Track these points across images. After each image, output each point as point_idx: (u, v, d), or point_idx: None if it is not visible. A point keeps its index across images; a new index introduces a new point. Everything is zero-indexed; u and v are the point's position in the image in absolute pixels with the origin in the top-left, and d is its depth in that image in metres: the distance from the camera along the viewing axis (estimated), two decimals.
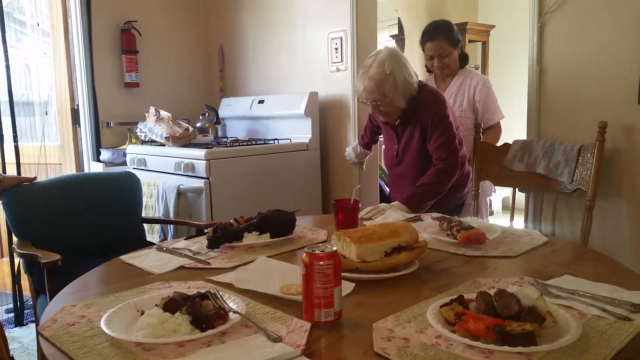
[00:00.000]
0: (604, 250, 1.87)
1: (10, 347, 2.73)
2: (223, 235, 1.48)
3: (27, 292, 3.16)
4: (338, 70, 2.97)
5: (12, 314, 3.20)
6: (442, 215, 1.73)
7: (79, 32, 3.31)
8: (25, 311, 3.19)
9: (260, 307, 1.04)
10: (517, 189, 2.18)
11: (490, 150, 2.19)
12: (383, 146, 2.40)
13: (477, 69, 5.47)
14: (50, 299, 1.79)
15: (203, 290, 1.02)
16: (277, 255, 1.41)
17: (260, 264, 1.32)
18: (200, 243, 1.54)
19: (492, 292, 0.96)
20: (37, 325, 2.03)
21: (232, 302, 1.01)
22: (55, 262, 1.73)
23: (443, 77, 2.55)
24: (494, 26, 5.41)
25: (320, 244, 0.98)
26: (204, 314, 0.92)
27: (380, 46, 3.10)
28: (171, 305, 0.94)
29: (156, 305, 0.97)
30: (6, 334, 2.84)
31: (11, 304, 3.21)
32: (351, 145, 2.68)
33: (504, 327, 0.85)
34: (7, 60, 2.96)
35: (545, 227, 2.15)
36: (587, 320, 0.94)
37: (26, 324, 3.13)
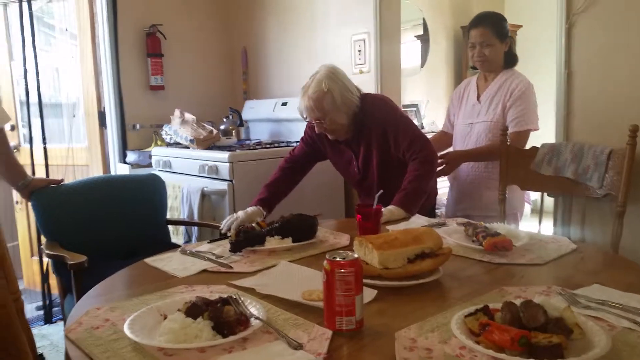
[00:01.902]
0: (635, 258, 1.81)
1: (39, 344, 2.79)
2: (245, 239, 1.48)
3: (55, 291, 3.23)
4: (361, 72, 2.96)
5: (41, 312, 3.27)
6: (467, 220, 1.70)
7: (105, 36, 3.37)
8: (53, 309, 3.26)
9: (282, 313, 1.03)
10: (545, 194, 2.13)
11: (517, 154, 2.15)
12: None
13: None
14: (77, 299, 1.82)
15: (225, 295, 1.03)
16: (299, 260, 1.41)
17: (282, 269, 1.31)
18: (223, 246, 1.54)
19: (518, 302, 0.94)
20: (64, 323, 2.07)
21: (254, 308, 1.01)
22: (81, 263, 1.76)
23: (485, 76, 2.36)
24: (520, 26, 5.33)
25: (341, 251, 0.97)
26: (225, 320, 0.92)
27: (403, 47, 3.08)
28: (193, 310, 0.95)
29: (179, 310, 0.97)
30: (35, 331, 2.91)
31: (40, 301, 3.28)
32: (241, 212, 2.04)
33: (530, 338, 0.82)
34: (36, 63, 3.03)
35: (574, 233, 2.10)
36: (617, 333, 0.91)
37: (55, 322, 3.19)
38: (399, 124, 2.07)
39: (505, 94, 2.25)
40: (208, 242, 1.57)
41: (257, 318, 0.96)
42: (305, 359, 0.83)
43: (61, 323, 3.15)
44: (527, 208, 5.75)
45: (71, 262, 1.76)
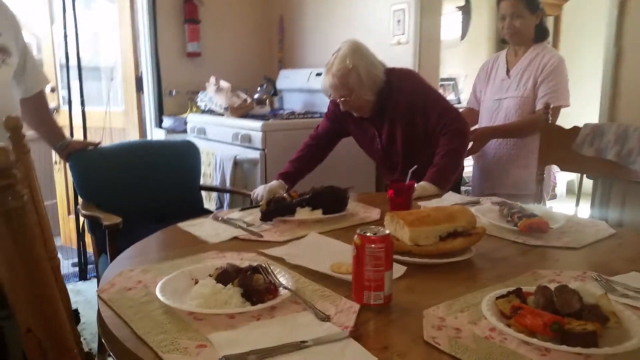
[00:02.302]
0: None
1: (74, 299, 2.90)
2: (276, 209, 1.48)
3: (90, 249, 3.33)
4: (399, 43, 2.89)
5: (77, 268, 3.39)
6: (502, 200, 1.66)
7: (144, 1, 3.37)
8: (88, 266, 3.37)
9: (310, 284, 1.04)
10: (584, 175, 2.06)
11: (558, 133, 2.08)
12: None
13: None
14: (111, 259, 1.87)
15: (255, 264, 1.03)
16: (329, 232, 1.40)
17: (312, 240, 1.31)
18: (254, 215, 1.55)
19: (552, 286, 0.92)
20: (98, 282, 2.14)
21: (283, 277, 1.01)
22: (116, 225, 1.81)
23: (515, 51, 2.30)
24: (567, 0, 5.10)
25: (372, 226, 0.96)
26: (255, 288, 0.93)
27: (443, 19, 2.99)
28: (224, 276, 0.96)
29: (210, 275, 0.99)
30: (70, 286, 3.02)
31: (76, 258, 3.40)
32: (261, 186, 2.10)
33: (564, 325, 0.80)
34: (76, 27, 3.06)
35: (613, 217, 2.03)
36: None
37: (89, 279, 3.31)
38: (428, 97, 2.03)
39: (536, 69, 2.19)
40: (240, 210, 1.58)
41: (285, 288, 0.96)
42: (331, 332, 0.83)
43: (95, 280, 3.26)
44: (563, 188, 5.60)
45: (106, 223, 1.80)
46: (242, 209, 1.59)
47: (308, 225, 1.46)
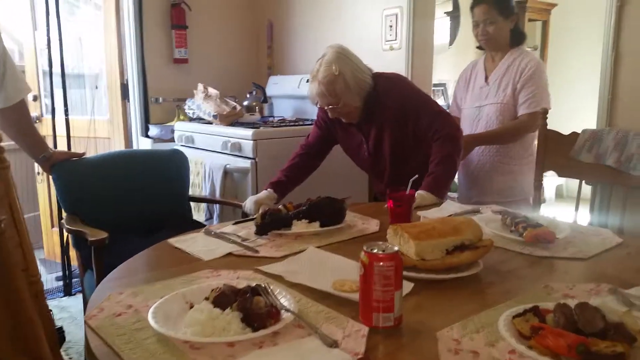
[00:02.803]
0: None
1: (58, 316, 2.81)
2: (272, 222, 1.42)
3: (75, 262, 3.23)
4: (392, 49, 2.85)
5: (61, 282, 3.28)
6: (503, 209, 1.62)
7: (130, 6, 3.29)
8: (73, 280, 3.26)
9: (313, 304, 0.97)
10: (583, 182, 2.03)
11: (556, 139, 2.04)
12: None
13: (535, 49, 5.20)
14: (97, 276, 1.79)
15: (253, 283, 0.97)
16: (328, 246, 1.34)
17: (311, 255, 1.25)
18: (248, 229, 1.48)
19: (567, 301, 0.87)
20: (84, 299, 2.06)
21: (284, 299, 0.95)
22: (102, 240, 1.73)
23: (492, 57, 2.28)
24: (555, 5, 5.11)
25: (380, 243, 0.90)
26: (255, 312, 0.86)
27: (437, 23, 2.96)
28: (221, 300, 0.89)
29: (206, 298, 0.92)
30: (55, 302, 2.91)
31: (60, 272, 3.29)
32: (250, 197, 2.01)
33: (590, 346, 0.75)
34: (60, 33, 2.97)
35: (613, 223, 2.00)
36: None
37: (74, 294, 3.20)
38: (418, 101, 1.98)
39: (514, 74, 2.17)
40: (233, 224, 1.51)
41: (288, 310, 0.90)
42: (341, 358, 0.77)
43: (80, 296, 3.16)
44: (552, 192, 5.60)
45: (92, 239, 1.72)
46: (236, 223, 1.52)
47: (305, 239, 1.39)
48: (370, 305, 0.87)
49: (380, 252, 0.87)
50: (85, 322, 0.91)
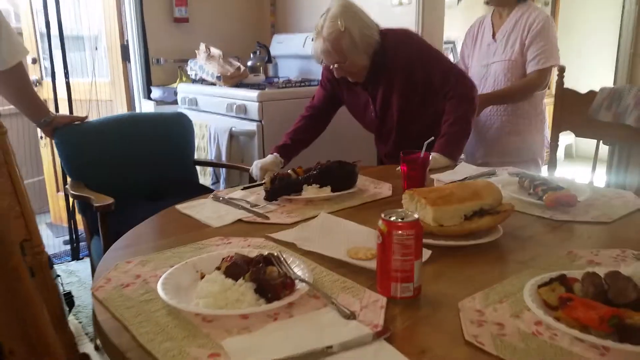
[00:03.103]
0: None
1: (67, 281, 2.81)
2: (281, 187, 1.37)
3: (82, 226, 3.21)
4: (401, 4, 2.73)
5: (68, 246, 3.27)
6: (520, 170, 1.56)
7: None
8: (81, 244, 3.26)
9: (328, 273, 0.94)
10: (601, 142, 1.97)
11: (572, 98, 1.97)
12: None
13: (546, 4, 5.02)
14: (104, 242, 1.77)
15: (265, 252, 0.93)
16: (340, 212, 1.30)
17: (323, 221, 1.21)
18: (257, 194, 1.44)
19: (592, 268, 0.83)
20: (92, 265, 2.04)
21: (298, 268, 0.91)
22: (108, 206, 1.69)
23: (499, 13, 2.19)
24: None
25: (399, 210, 0.85)
26: (269, 282, 0.82)
27: None
28: (233, 270, 0.85)
29: (217, 268, 0.88)
30: (63, 267, 2.92)
31: (68, 236, 3.28)
32: (255, 162, 1.97)
33: (623, 318, 0.71)
34: None
35: (631, 183, 1.95)
36: None
37: (82, 258, 3.20)
38: (430, 58, 1.88)
39: (522, 30, 2.09)
40: (241, 189, 1.47)
41: (302, 280, 0.86)
42: (360, 332, 0.74)
43: (88, 260, 3.16)
44: (561, 152, 5.52)
45: (97, 205, 1.69)
46: (244, 188, 1.47)
47: (316, 204, 1.35)
48: (388, 275, 0.83)
49: (400, 220, 0.83)
50: (92, 293, 0.88)
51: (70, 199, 3.10)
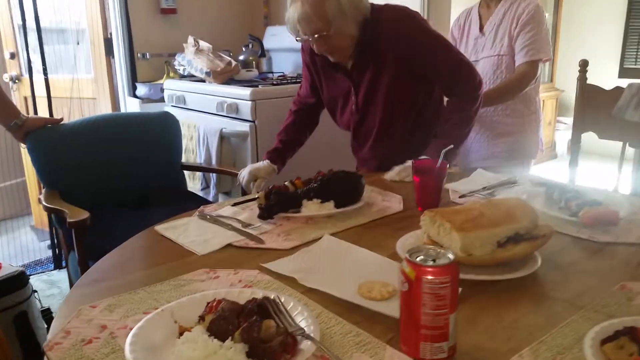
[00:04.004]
0: None
1: (48, 292, 2.63)
2: (278, 203, 1.20)
3: None
4: None
5: (51, 252, 3.08)
6: (545, 180, 1.39)
7: None
8: (63, 251, 3.07)
9: (337, 321, 0.77)
10: (627, 144, 1.80)
11: (596, 95, 1.80)
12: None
13: None
14: (80, 261, 1.59)
15: (260, 293, 0.76)
16: (345, 232, 1.13)
17: (326, 246, 1.04)
18: (250, 209, 1.27)
19: None
20: (70, 282, 1.86)
21: (300, 316, 0.74)
22: (82, 222, 1.51)
23: (487, 3, 2.00)
24: None
25: (429, 247, 0.68)
26: (265, 345, 0.65)
27: None
28: (220, 326, 0.68)
29: (200, 318, 0.71)
30: (45, 277, 2.73)
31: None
32: (247, 167, 1.79)
33: None
34: None
35: None
36: None
37: (64, 267, 3.01)
38: (437, 43, 1.55)
39: (511, 22, 1.91)
40: (232, 205, 1.29)
41: (307, 337, 0.69)
42: None
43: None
44: (564, 147, 5.38)
45: (71, 220, 1.50)
46: (235, 204, 1.29)
47: (318, 223, 1.18)
48: (416, 332, 0.66)
49: (430, 262, 0.65)
50: (43, 351, 0.70)
51: None
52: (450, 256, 0.67)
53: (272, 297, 0.76)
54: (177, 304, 0.78)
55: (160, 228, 1.16)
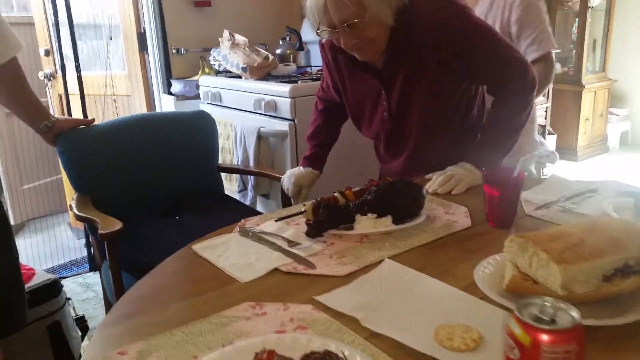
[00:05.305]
0: None
1: (83, 297, 2.57)
2: (329, 219, 1.06)
3: None
4: None
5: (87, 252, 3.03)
6: (632, 186, 1.21)
7: None
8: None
9: None
10: None
11: None
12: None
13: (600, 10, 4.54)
14: (113, 276, 1.48)
15: (317, 342, 0.63)
16: (408, 253, 0.98)
17: (389, 274, 0.89)
18: (295, 223, 1.13)
19: None
20: (103, 292, 1.78)
21: None
22: (114, 233, 1.40)
23: None
24: None
25: (544, 300, 0.53)
26: None
27: None
28: None
29: None
30: (80, 279, 2.68)
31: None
32: (288, 174, 1.68)
33: None
34: None
35: None
36: None
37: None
38: (482, 37, 1.31)
39: (502, 9, 1.69)
40: (276, 220, 1.15)
41: None
42: None
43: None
44: (616, 139, 5.09)
45: (102, 232, 1.40)
46: (279, 219, 1.15)
47: (374, 241, 1.03)
48: None
49: (549, 323, 0.50)
50: None
51: None
52: (575, 314, 0.51)
53: (332, 348, 0.62)
54: (219, 356, 0.65)
55: (199, 248, 1.03)
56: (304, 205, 1.10)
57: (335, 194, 1.13)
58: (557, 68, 4.33)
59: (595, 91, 4.65)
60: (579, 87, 4.51)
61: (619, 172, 4.31)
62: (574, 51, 4.57)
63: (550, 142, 4.37)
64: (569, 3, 4.52)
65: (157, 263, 0.99)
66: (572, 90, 4.51)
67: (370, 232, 1.05)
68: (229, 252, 1.00)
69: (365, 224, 1.06)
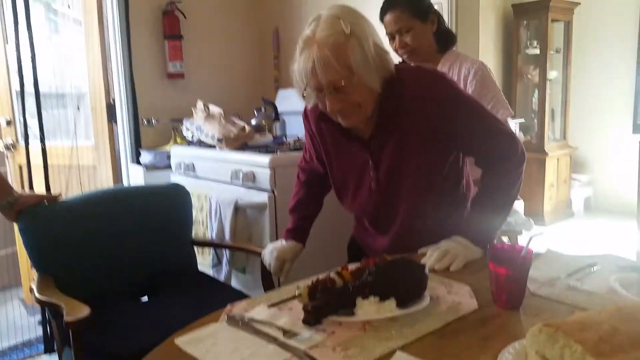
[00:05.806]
0: None
1: None
2: (328, 304, 0.97)
3: None
4: None
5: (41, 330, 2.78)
6: (631, 260, 1.17)
7: (115, 15, 2.86)
8: None
9: None
10: None
11: None
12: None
13: (557, 52, 4.81)
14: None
15: None
16: (418, 343, 0.89)
17: None
18: (289, 308, 1.03)
19: None
20: None
21: None
22: (81, 321, 1.26)
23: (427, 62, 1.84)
24: (579, 3, 4.73)
25: None
26: None
27: None
28: None
29: None
30: None
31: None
32: (269, 248, 1.58)
33: None
34: (32, 45, 2.50)
35: None
36: None
37: (56, 351, 2.71)
38: (471, 109, 1.31)
39: (456, 80, 1.76)
40: (268, 306, 1.05)
41: None
42: None
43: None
44: (580, 204, 5.20)
45: (68, 319, 1.26)
46: (272, 305, 1.06)
47: (378, 329, 0.94)
48: None
49: None
50: None
51: None
52: None
53: None
54: None
55: (182, 342, 0.91)
56: (298, 287, 1.01)
57: (332, 275, 1.05)
58: (520, 137, 4.48)
59: (557, 158, 4.80)
60: (543, 155, 4.64)
61: (586, 237, 4.39)
62: (536, 120, 4.75)
63: (519, 207, 4.43)
64: (528, 75, 4.74)
65: (131, 354, 0.87)
66: (536, 157, 4.63)
67: (374, 319, 0.96)
68: (218, 347, 0.89)
69: (368, 308, 0.97)
